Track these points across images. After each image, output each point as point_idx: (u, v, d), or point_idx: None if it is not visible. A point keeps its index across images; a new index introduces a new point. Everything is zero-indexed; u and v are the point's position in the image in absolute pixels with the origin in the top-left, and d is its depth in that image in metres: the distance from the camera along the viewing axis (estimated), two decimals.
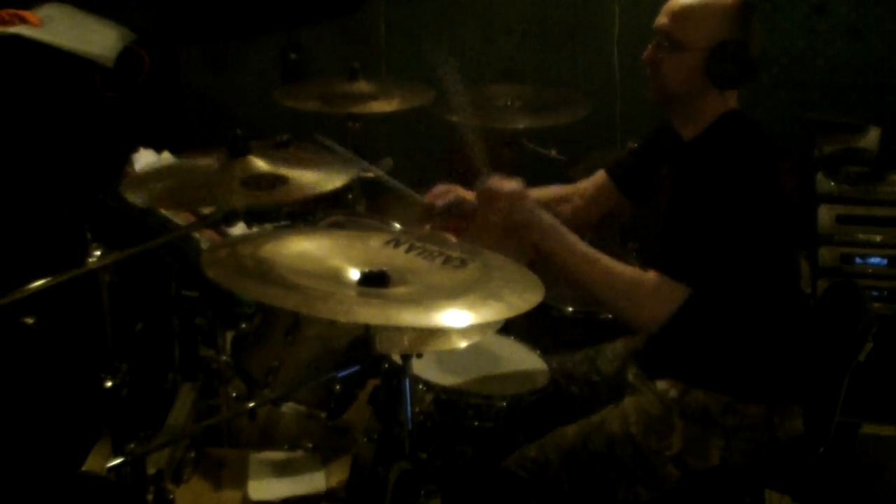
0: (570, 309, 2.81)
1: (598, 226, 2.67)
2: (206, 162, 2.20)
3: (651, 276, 2.10)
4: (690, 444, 2.16)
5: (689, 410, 2.17)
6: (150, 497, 1.86)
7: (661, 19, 2.18)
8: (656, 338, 2.30)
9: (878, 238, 3.23)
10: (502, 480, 2.24)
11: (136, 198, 2.09)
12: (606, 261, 2.16)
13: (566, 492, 2.20)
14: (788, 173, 2.13)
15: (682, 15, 2.14)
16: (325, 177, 2.16)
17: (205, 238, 2.40)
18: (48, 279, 1.80)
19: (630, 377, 2.36)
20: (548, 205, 2.42)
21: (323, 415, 2.32)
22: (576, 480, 2.19)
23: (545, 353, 2.54)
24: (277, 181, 2.08)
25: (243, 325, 2.40)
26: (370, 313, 1.64)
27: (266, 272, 1.71)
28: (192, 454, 2.27)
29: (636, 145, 2.58)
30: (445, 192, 2.61)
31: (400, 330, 2.07)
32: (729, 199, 2.06)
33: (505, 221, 2.24)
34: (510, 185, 2.27)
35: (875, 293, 3.19)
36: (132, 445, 1.77)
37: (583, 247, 2.19)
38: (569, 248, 2.19)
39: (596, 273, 2.16)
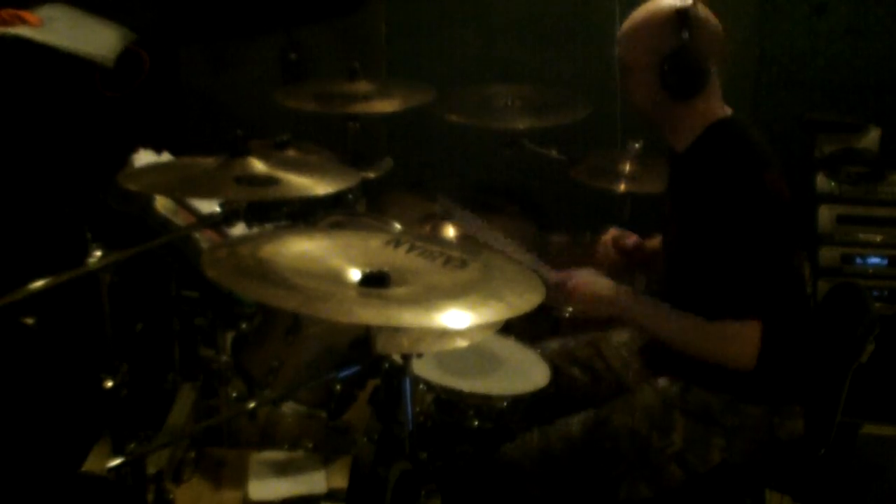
0: (570, 309, 2.81)
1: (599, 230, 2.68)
2: (206, 161, 2.21)
3: (723, 323, 2.08)
4: (692, 443, 2.17)
5: (691, 408, 2.19)
6: (150, 497, 1.86)
7: (616, 48, 2.21)
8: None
9: (878, 238, 3.23)
10: (503, 469, 2.25)
11: (132, 186, 2.11)
12: (686, 321, 2.13)
13: (568, 484, 2.20)
14: (780, 175, 2.13)
15: (625, 39, 2.19)
16: (317, 181, 2.17)
17: (205, 238, 2.40)
18: (48, 279, 1.80)
19: (632, 373, 2.37)
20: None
21: (323, 415, 2.32)
22: (579, 474, 2.20)
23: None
24: (269, 181, 2.09)
25: (243, 325, 2.41)
26: (370, 314, 1.64)
27: (266, 272, 1.70)
28: (192, 454, 2.27)
29: None
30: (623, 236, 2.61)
31: (399, 331, 2.07)
32: (723, 208, 2.08)
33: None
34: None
35: (875, 293, 3.19)
36: (132, 445, 1.77)
37: (665, 311, 2.18)
38: (654, 317, 2.19)
39: (678, 333, 2.15)
